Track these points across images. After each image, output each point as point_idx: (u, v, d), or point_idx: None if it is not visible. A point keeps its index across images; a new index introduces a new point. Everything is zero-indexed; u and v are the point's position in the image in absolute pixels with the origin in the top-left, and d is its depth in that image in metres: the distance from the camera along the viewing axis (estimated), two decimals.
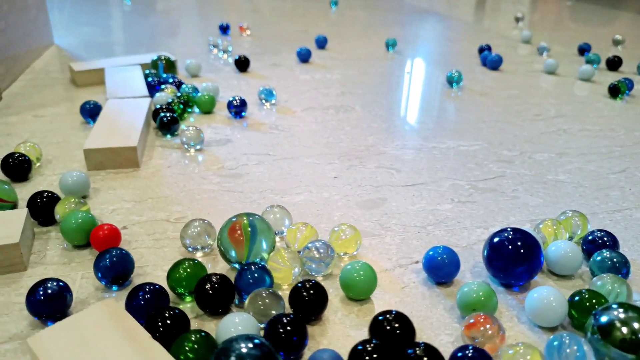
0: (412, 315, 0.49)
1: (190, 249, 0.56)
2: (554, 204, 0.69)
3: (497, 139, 0.90)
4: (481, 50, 1.44)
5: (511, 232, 0.52)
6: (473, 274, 0.55)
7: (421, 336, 0.46)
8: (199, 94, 0.97)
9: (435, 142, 0.88)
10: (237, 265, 0.53)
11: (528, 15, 2.33)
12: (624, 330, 0.41)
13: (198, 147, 0.82)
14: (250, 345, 0.37)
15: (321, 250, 0.53)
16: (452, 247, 0.58)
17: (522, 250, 0.51)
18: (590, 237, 0.57)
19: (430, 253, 0.53)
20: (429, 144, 0.87)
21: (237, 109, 0.94)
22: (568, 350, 0.42)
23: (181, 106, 0.91)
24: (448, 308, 0.50)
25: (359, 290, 0.50)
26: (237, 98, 0.94)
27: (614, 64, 1.34)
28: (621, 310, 0.43)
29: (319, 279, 0.53)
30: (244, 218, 0.54)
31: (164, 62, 1.12)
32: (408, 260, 0.57)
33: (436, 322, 0.48)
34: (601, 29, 2.00)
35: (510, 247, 0.51)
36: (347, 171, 0.77)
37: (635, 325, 0.42)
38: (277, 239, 0.59)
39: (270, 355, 0.37)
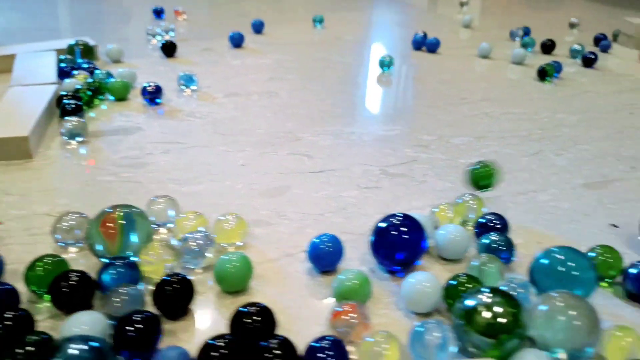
0: (289, 307, 0.47)
1: (61, 244, 0.53)
2: (462, 188, 0.68)
3: (419, 123, 0.89)
4: (419, 39, 1.41)
5: (395, 218, 0.51)
6: (363, 261, 0.53)
7: (292, 328, 0.44)
8: (112, 80, 0.92)
9: (355, 128, 0.86)
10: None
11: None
12: (486, 314, 0.40)
13: (79, 139, 0.77)
14: (78, 346, 0.34)
15: (199, 241, 0.51)
16: (348, 234, 0.56)
17: (403, 236, 0.49)
18: (481, 221, 0.56)
19: (316, 241, 0.51)
20: (348, 129, 0.85)
21: (152, 95, 0.90)
22: (430, 337, 0.40)
23: (89, 93, 0.87)
24: (326, 298, 0.48)
25: (231, 282, 0.47)
26: (151, 84, 0.90)
27: (548, 47, 1.35)
28: (485, 294, 0.41)
29: (198, 271, 0.51)
30: (118, 210, 0.51)
31: (81, 47, 1.07)
32: (297, 249, 0.54)
33: (311, 313, 0.46)
34: (555, 13, 2.02)
35: (393, 233, 0.50)
36: (257, 158, 0.75)
37: (498, 309, 0.40)
38: (164, 230, 0.57)
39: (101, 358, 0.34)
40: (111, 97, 0.93)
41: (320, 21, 1.61)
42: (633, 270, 0.49)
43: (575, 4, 2.23)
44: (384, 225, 0.50)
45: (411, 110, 0.94)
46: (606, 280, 0.51)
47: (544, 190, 0.68)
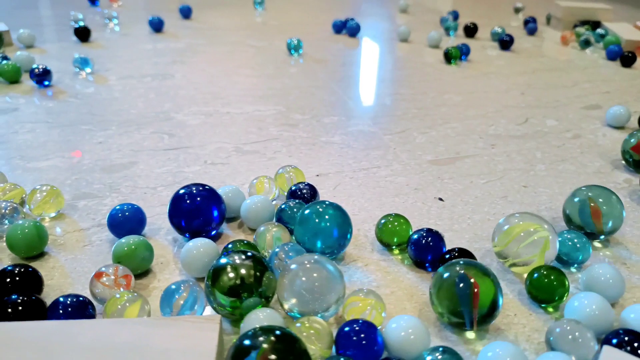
0: (70, 271, 0.48)
1: None
2: (306, 163, 0.70)
3: (298, 104, 0.90)
4: (338, 23, 1.41)
5: (190, 188, 0.52)
6: (170, 231, 0.55)
7: (63, 290, 0.46)
8: (3, 63, 0.94)
9: (232, 108, 0.87)
10: None
11: None
12: (230, 275, 0.42)
13: None
14: None
15: (3, 210, 0.52)
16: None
17: (194, 205, 0.51)
18: (292, 189, 0.58)
19: (117, 208, 0.53)
20: (224, 109, 0.87)
21: (39, 77, 0.91)
22: (177, 296, 0.42)
23: None
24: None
25: (20, 247, 0.49)
26: (40, 67, 0.92)
27: (470, 30, 1.36)
28: (236, 257, 0.43)
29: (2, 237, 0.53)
30: None
31: None
32: None
33: (84, 277, 0.48)
34: None
35: (186, 202, 0.52)
36: (115, 137, 0.76)
37: (242, 271, 0.42)
38: None
39: None
40: (4, 80, 0.94)
41: (261, 3, 1.63)
42: (414, 237, 0.51)
43: None
44: (178, 193, 0.52)
45: (298, 91, 0.95)
46: (394, 247, 0.53)
47: (387, 166, 0.70)
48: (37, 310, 0.41)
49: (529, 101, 0.94)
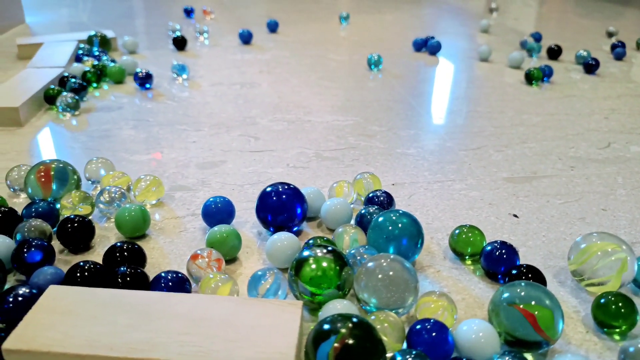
0: (167, 252, 0.54)
1: (12, 190, 0.63)
2: (382, 172, 0.73)
3: (376, 116, 0.93)
4: (419, 41, 1.43)
5: (277, 187, 0.57)
6: (256, 224, 0.60)
7: (161, 267, 0.52)
8: (112, 65, 1.04)
9: (313, 117, 0.92)
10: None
11: (505, 6, 2.29)
12: (311, 267, 0.45)
13: (72, 113, 0.89)
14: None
15: (113, 194, 0.59)
16: (254, 202, 0.63)
17: (280, 202, 0.55)
18: (370, 195, 0.61)
19: (210, 200, 0.58)
20: (306, 117, 0.92)
21: (142, 80, 1.00)
22: (263, 281, 0.46)
23: (89, 76, 0.99)
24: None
25: (126, 228, 0.55)
26: (143, 70, 1.01)
27: (554, 52, 1.33)
28: (318, 250, 0.46)
29: (112, 219, 0.60)
30: (52, 164, 0.61)
31: (99, 38, 1.20)
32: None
33: (180, 258, 0.53)
34: (603, 22, 1.96)
35: (272, 198, 0.56)
36: (207, 137, 0.83)
37: (324, 264, 0.45)
38: (97, 185, 0.66)
39: None
40: (111, 81, 1.05)
41: (346, 18, 1.68)
42: (488, 249, 0.52)
43: (628, 14, 2.14)
44: (266, 190, 0.57)
45: (376, 104, 0.98)
46: (467, 257, 0.54)
47: (462, 180, 0.71)
48: (141, 282, 0.46)
49: (612, 126, 0.92)
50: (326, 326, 0.38)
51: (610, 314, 0.44)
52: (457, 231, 0.55)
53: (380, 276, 0.44)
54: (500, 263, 0.51)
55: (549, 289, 0.50)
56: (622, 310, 0.44)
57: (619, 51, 1.37)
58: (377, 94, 1.04)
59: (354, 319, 0.38)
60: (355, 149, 0.80)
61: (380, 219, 0.52)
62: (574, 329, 0.46)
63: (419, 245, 0.52)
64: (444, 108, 0.99)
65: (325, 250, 0.47)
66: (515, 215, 0.63)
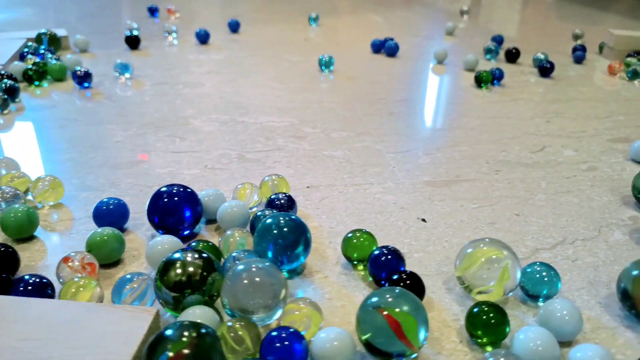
0: (51, 254, 0.53)
1: None
2: (302, 175, 0.71)
3: (313, 118, 0.92)
4: (377, 42, 1.42)
5: (170, 188, 0.55)
6: (150, 228, 0.58)
7: (39, 270, 0.50)
8: (53, 63, 1.03)
9: (248, 118, 0.91)
10: None
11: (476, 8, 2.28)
12: (177, 271, 0.44)
13: (4, 111, 0.88)
14: None
15: (6, 195, 0.58)
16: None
17: (169, 205, 0.54)
18: (271, 198, 0.59)
19: (103, 201, 0.57)
20: (241, 118, 0.90)
21: (80, 79, 0.99)
22: (127, 286, 0.45)
23: (30, 73, 0.98)
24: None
25: (11, 229, 0.54)
26: (82, 69, 1.00)
27: (512, 55, 1.32)
28: (188, 254, 0.45)
29: None
30: None
31: (48, 36, 1.19)
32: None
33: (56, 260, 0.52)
34: (574, 25, 1.95)
35: (162, 200, 0.55)
36: (133, 137, 0.81)
37: (190, 269, 0.44)
38: None
39: None
40: (52, 79, 1.04)
41: (315, 19, 1.67)
42: (374, 254, 0.51)
43: (606, 19, 2.13)
44: (157, 192, 0.55)
45: (317, 105, 0.97)
46: (356, 263, 0.53)
47: (380, 184, 0.70)
48: (2, 286, 0.45)
49: (553, 130, 0.90)
50: (166, 335, 0.37)
51: (478, 324, 0.43)
52: (349, 235, 0.53)
53: (243, 282, 0.43)
54: (383, 268, 0.49)
55: (436, 295, 0.49)
56: (492, 321, 0.43)
57: (578, 54, 1.36)
58: (322, 96, 1.03)
59: (196, 328, 0.37)
60: (281, 150, 0.79)
61: (266, 222, 0.51)
62: (448, 338, 0.44)
63: (300, 250, 0.50)
64: (385, 110, 0.97)
65: (196, 255, 0.45)
66: (423, 220, 0.62)
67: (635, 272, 0.47)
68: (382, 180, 0.71)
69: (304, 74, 1.18)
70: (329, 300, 0.48)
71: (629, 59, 1.29)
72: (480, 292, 0.48)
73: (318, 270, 0.52)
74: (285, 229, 0.49)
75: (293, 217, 0.51)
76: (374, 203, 0.65)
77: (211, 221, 0.60)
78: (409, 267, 0.53)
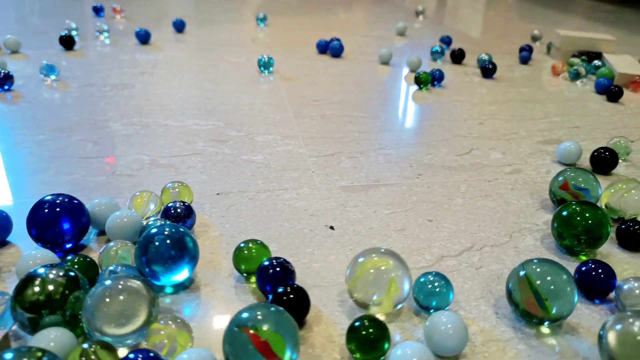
0: None
1: None
2: (215, 180, 0.68)
3: (241, 120, 0.89)
4: (322, 43, 1.40)
5: (53, 198, 0.52)
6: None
7: None
8: None
9: (172, 121, 0.87)
10: None
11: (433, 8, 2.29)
12: (34, 290, 0.41)
13: None
14: None
15: None
16: None
17: (49, 216, 0.51)
18: (168, 206, 0.56)
19: None
20: (164, 121, 0.87)
21: (0, 81, 0.94)
22: None
23: None
24: None
25: None
26: (2, 71, 0.95)
27: (457, 56, 1.31)
28: (52, 271, 0.42)
29: None
30: None
31: None
32: None
33: None
34: (532, 26, 1.96)
35: (42, 211, 0.51)
36: (43, 142, 0.77)
37: (50, 287, 0.41)
38: None
39: None
40: None
41: (263, 20, 1.64)
42: (263, 265, 0.48)
43: (569, 21, 2.15)
44: (40, 201, 0.52)
45: (248, 107, 0.94)
46: (245, 275, 0.50)
47: (295, 190, 0.67)
48: None
49: (484, 132, 0.89)
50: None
51: (355, 340, 0.41)
52: (241, 245, 0.50)
53: (103, 300, 0.40)
54: (269, 281, 0.47)
55: (325, 309, 0.47)
56: (371, 337, 0.41)
57: (524, 55, 1.36)
58: (255, 98, 1.00)
59: (36, 355, 0.34)
60: (198, 155, 0.76)
61: (144, 235, 0.48)
62: (329, 355, 0.42)
63: (180, 265, 0.47)
64: (317, 112, 0.95)
65: (60, 272, 0.42)
66: (331, 227, 0.60)
67: (522, 273, 0.45)
68: (298, 186, 0.68)
69: (243, 75, 1.15)
70: (212, 317, 0.46)
71: (572, 59, 1.29)
72: (374, 304, 0.46)
73: (208, 283, 0.50)
74: (163, 242, 0.46)
75: (176, 228, 0.48)
76: (284, 210, 0.63)
77: (103, 232, 0.56)
78: (306, 278, 0.51)
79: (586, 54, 1.35)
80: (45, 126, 0.83)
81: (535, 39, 1.66)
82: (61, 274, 0.42)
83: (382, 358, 0.41)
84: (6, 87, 0.96)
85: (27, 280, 0.41)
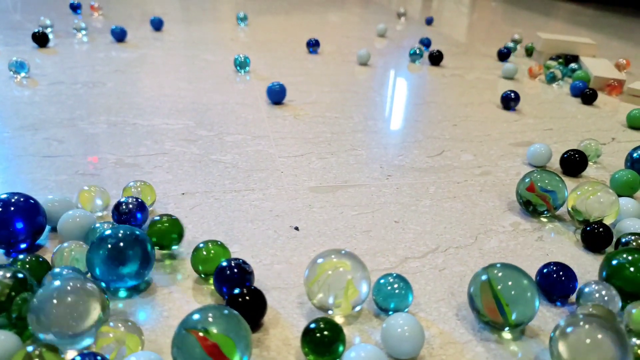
0: None
1: None
2: (180, 180, 0.67)
3: (212, 120, 0.88)
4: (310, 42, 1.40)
5: (8, 196, 0.50)
6: None
7: None
8: None
9: (141, 120, 0.86)
10: None
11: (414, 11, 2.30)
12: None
13: None
14: None
15: None
16: None
17: (1, 216, 0.49)
18: (120, 201, 0.55)
19: None
20: (133, 120, 0.85)
21: None
22: None
23: None
24: None
25: None
26: None
27: (435, 58, 1.31)
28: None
29: None
30: None
31: None
32: None
33: None
34: (519, 27, 1.97)
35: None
36: (7, 140, 0.75)
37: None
38: None
39: None
40: None
41: (243, 19, 1.63)
42: (221, 266, 0.47)
43: (551, 24, 2.17)
44: None
45: (220, 107, 0.93)
46: (203, 276, 0.49)
47: (261, 190, 0.67)
48: None
49: (457, 134, 0.89)
50: None
51: (314, 342, 0.40)
52: (200, 246, 0.49)
53: (49, 301, 0.39)
54: (226, 283, 0.46)
55: (284, 311, 0.46)
56: (325, 340, 0.40)
57: (503, 56, 1.36)
58: (229, 97, 0.99)
59: None
60: (165, 155, 0.74)
61: (95, 236, 0.46)
62: (285, 358, 0.41)
63: (132, 268, 0.45)
64: (291, 112, 0.94)
65: (7, 274, 0.41)
66: (296, 228, 0.59)
67: (484, 277, 0.45)
68: (265, 187, 0.67)
69: (219, 74, 1.14)
70: (166, 319, 0.44)
71: (549, 62, 1.30)
72: (330, 306, 0.45)
73: (164, 285, 0.48)
74: (116, 244, 0.45)
75: (131, 231, 0.47)
76: (249, 211, 0.62)
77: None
78: (266, 279, 0.50)
79: (563, 56, 1.36)
80: (9, 125, 0.80)
81: (516, 42, 1.67)
82: (8, 275, 0.41)
83: None
84: None
85: None
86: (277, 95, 0.96)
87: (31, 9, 1.71)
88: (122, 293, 0.47)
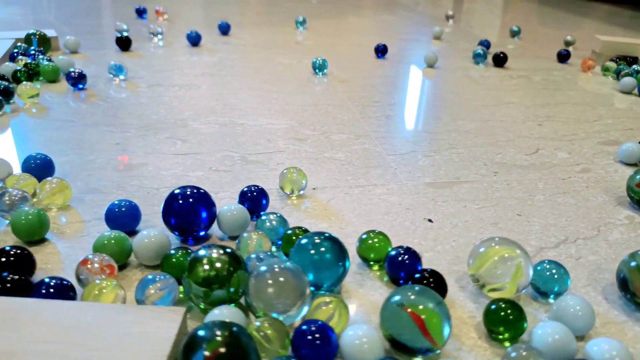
0: (65, 257, 0.52)
1: None
2: (307, 176, 0.72)
3: (311, 120, 0.92)
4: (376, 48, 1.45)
5: (184, 190, 0.55)
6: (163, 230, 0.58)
7: (55, 273, 0.50)
8: (45, 64, 1.01)
9: (247, 120, 0.91)
10: None
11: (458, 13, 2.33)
12: (204, 267, 0.44)
13: None
14: None
15: (14, 197, 0.57)
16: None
17: (185, 206, 0.54)
18: (244, 190, 0.61)
19: (114, 203, 0.56)
20: (239, 120, 0.90)
21: (74, 80, 0.98)
22: (151, 286, 0.45)
23: (18, 75, 0.96)
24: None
25: (22, 232, 0.53)
26: (76, 70, 0.99)
27: (500, 59, 1.35)
28: (213, 250, 0.45)
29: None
30: None
31: (38, 37, 1.17)
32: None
33: (76, 264, 0.51)
34: (565, 31, 2.00)
35: (178, 202, 0.54)
36: (132, 139, 0.81)
37: (217, 264, 0.44)
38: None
39: None
40: (44, 80, 1.02)
41: (302, 23, 1.68)
42: (391, 254, 0.52)
43: (584, 24, 2.19)
44: (172, 193, 0.55)
45: (314, 108, 0.98)
46: (372, 263, 0.54)
47: (384, 185, 0.71)
48: (22, 288, 0.44)
49: (545, 133, 0.93)
50: (199, 334, 0.37)
51: (497, 321, 0.44)
52: (364, 236, 0.54)
53: (268, 281, 0.43)
54: (401, 268, 0.50)
55: (450, 293, 0.51)
56: (510, 317, 0.44)
57: (563, 57, 1.40)
58: (317, 98, 1.04)
59: (229, 327, 0.37)
60: (282, 152, 0.79)
61: (304, 241, 0.50)
62: (467, 334, 0.46)
63: (337, 271, 0.49)
64: (382, 113, 0.99)
65: (221, 251, 0.45)
66: (429, 220, 0.63)
67: (633, 264, 0.49)
68: (385, 182, 0.72)
69: (297, 76, 1.19)
70: (347, 299, 0.49)
71: (608, 64, 1.33)
72: (494, 290, 0.49)
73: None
74: (327, 252, 0.48)
75: (334, 238, 0.50)
76: (380, 204, 0.66)
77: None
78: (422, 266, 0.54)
79: (624, 58, 1.39)
80: (129, 124, 0.86)
81: (568, 44, 1.70)
82: (222, 253, 0.45)
83: (520, 336, 0.44)
84: (80, 86, 0.99)
85: (197, 259, 0.44)
86: None
87: (94, 14, 1.78)
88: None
